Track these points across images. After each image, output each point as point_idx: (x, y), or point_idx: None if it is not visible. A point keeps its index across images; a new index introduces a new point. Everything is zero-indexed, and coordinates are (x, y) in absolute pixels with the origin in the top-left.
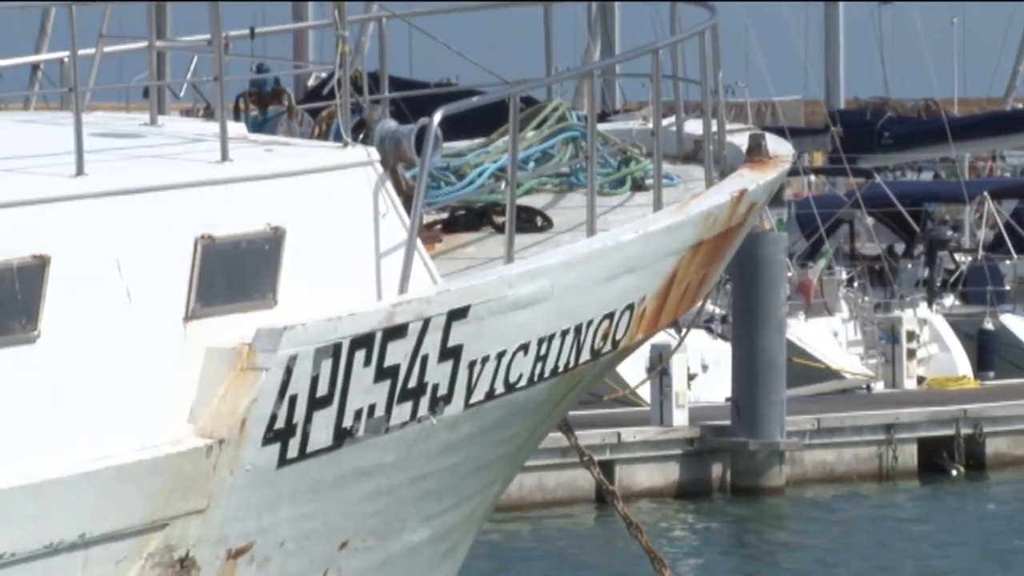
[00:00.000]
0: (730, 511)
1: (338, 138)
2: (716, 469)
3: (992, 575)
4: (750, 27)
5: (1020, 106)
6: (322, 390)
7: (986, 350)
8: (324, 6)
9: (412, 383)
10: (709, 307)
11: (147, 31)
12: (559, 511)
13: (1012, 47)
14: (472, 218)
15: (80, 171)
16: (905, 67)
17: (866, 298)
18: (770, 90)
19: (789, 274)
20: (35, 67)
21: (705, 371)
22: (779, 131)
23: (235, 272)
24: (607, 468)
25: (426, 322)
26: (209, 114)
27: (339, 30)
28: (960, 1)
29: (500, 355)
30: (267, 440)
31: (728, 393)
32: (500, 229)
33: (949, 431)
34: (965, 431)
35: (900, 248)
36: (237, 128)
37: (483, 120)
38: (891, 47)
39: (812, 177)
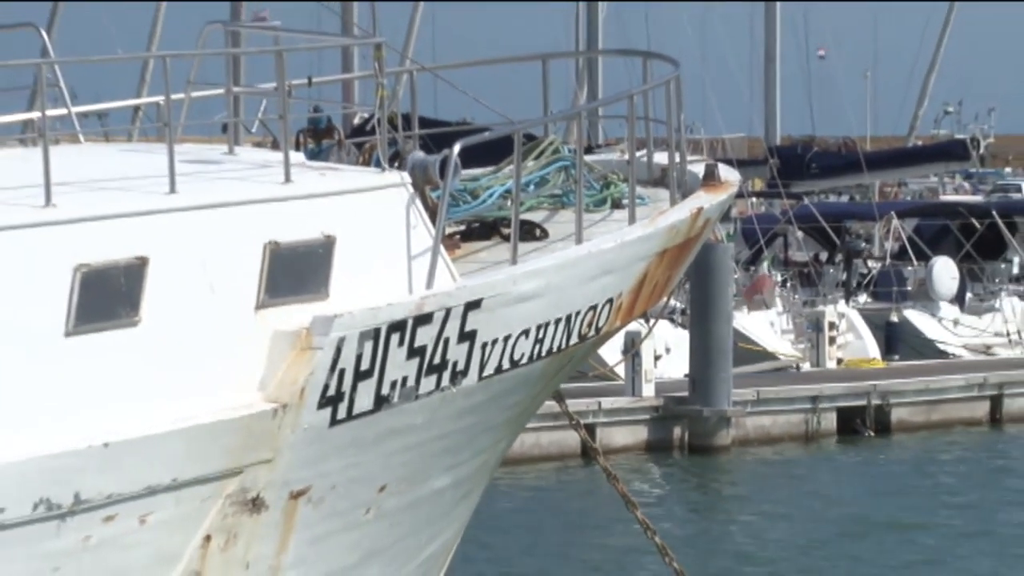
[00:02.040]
0: (687, 465)
1: (378, 165)
2: (676, 431)
3: (894, 510)
4: (705, 78)
5: (920, 143)
6: (365, 365)
7: (892, 338)
8: (368, 59)
9: (436, 360)
10: (672, 302)
11: (225, 78)
12: (552, 464)
13: (913, 95)
14: (484, 230)
15: (173, 189)
16: (828, 111)
17: (796, 296)
18: (721, 128)
19: (735, 276)
20: (136, 108)
21: (668, 353)
22: (728, 162)
23: (295, 271)
24: (590, 430)
25: (448, 311)
26: (275, 146)
27: (379, 79)
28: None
29: (507, 338)
30: (321, 405)
31: (686, 370)
32: (506, 238)
33: (862, 402)
34: (875, 402)
35: (824, 256)
36: (297, 157)
37: (493, 151)
38: (817, 95)
39: (753, 199)
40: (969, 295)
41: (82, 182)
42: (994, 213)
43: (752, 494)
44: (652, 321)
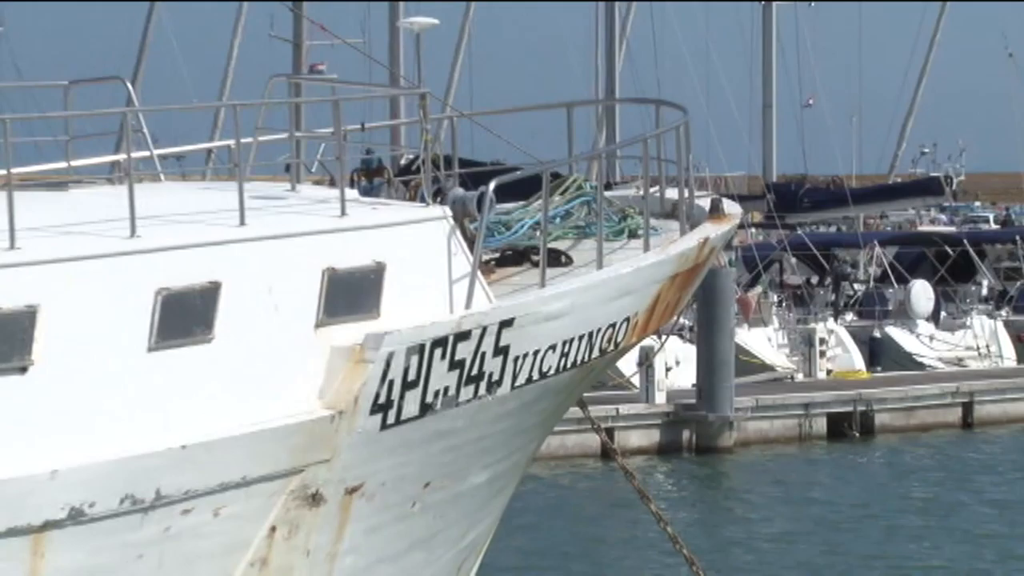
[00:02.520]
0: (695, 464)
1: (423, 200)
2: (685, 434)
3: (878, 500)
4: (710, 123)
5: (899, 180)
6: (411, 376)
7: (875, 351)
8: (414, 107)
9: (474, 371)
10: (681, 320)
11: (288, 124)
12: (576, 462)
13: (894, 138)
14: (516, 257)
15: (242, 222)
16: (819, 152)
17: (790, 314)
18: (724, 167)
19: (739, 297)
20: (209, 151)
21: (678, 365)
22: (730, 197)
23: (350, 293)
24: (609, 433)
25: (484, 329)
26: (332, 183)
27: (424, 125)
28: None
29: (536, 352)
30: (373, 411)
31: (694, 380)
32: (535, 264)
33: (849, 408)
34: (860, 408)
35: (815, 279)
36: (352, 193)
37: (523, 188)
38: (809, 138)
39: (753, 230)
40: (943, 314)
41: (162, 216)
42: (965, 242)
43: (752, 489)
44: (664, 337)
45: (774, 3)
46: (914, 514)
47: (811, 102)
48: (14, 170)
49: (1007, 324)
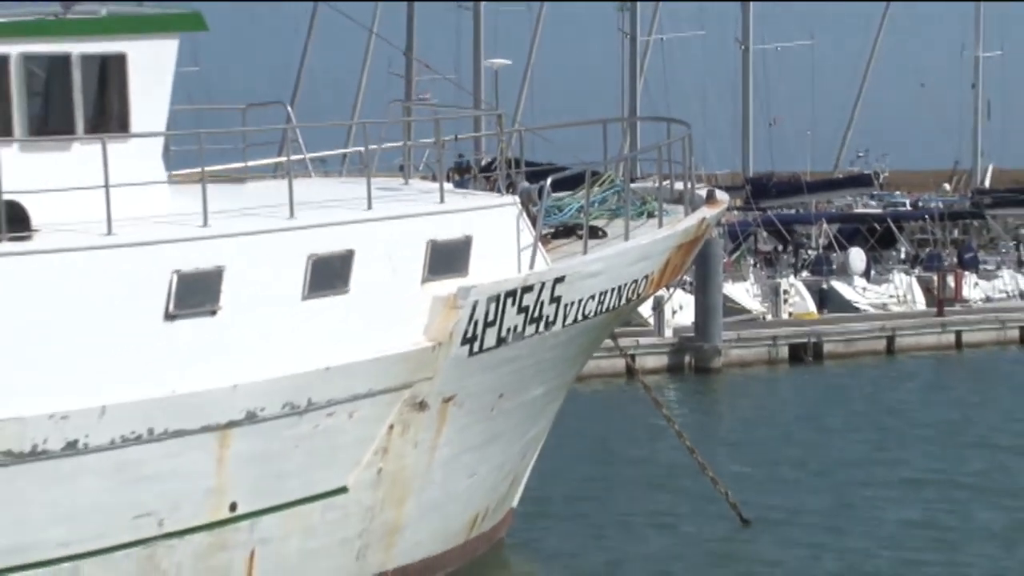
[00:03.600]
0: (693, 380)
1: (499, 191)
2: (686, 358)
3: (824, 405)
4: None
5: (841, 176)
6: (490, 318)
7: (823, 299)
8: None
9: (535, 314)
10: (684, 277)
11: (402, 136)
12: (607, 380)
13: (836, 146)
14: (566, 232)
15: (369, 207)
16: (783, 155)
17: (762, 272)
18: (715, 166)
19: (725, 261)
20: (344, 155)
21: (681, 309)
22: (720, 188)
23: (446, 258)
24: (632, 358)
25: (543, 284)
26: (434, 179)
27: (499, 136)
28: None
29: (580, 300)
30: (462, 343)
31: (693, 319)
32: (580, 237)
33: (804, 340)
34: (812, 340)
35: (780, 248)
36: (448, 186)
37: (571, 182)
38: (776, 146)
39: (735, 211)
40: (872, 272)
41: (312, 202)
42: (888, 220)
43: (734, 399)
44: (672, 289)
45: (751, 48)
46: (850, 413)
47: (776, 121)
48: (207, 169)
49: (919, 279)
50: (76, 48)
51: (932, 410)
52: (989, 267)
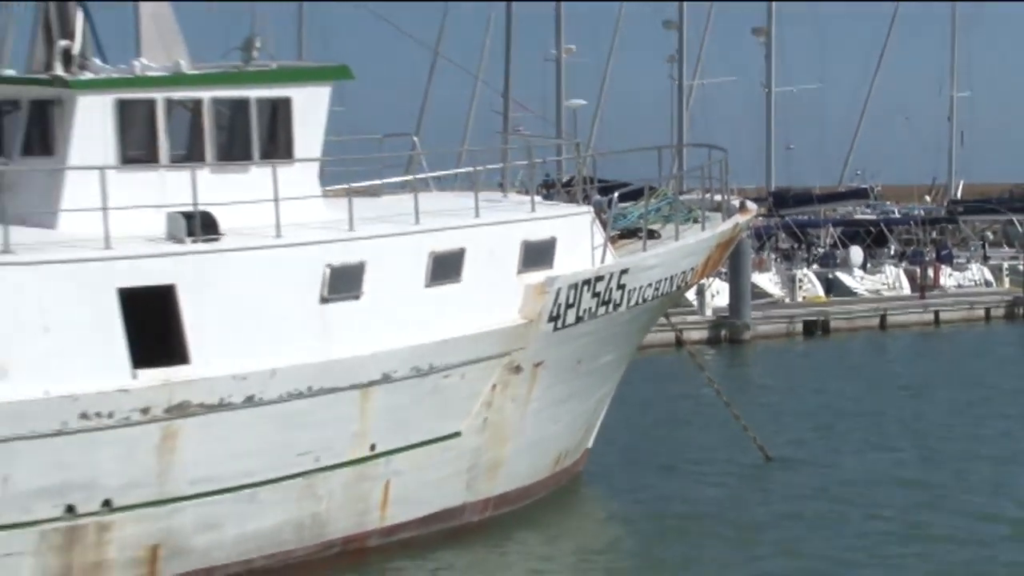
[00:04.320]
0: (728, 349)
1: (577, 203)
2: (722, 332)
3: (833, 374)
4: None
5: (843, 190)
6: (570, 301)
7: (829, 286)
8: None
9: (606, 298)
10: (721, 269)
11: (500, 159)
12: (662, 349)
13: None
14: (629, 234)
15: (477, 214)
16: (798, 172)
17: (782, 265)
18: (744, 181)
19: (753, 257)
20: (455, 175)
21: (718, 294)
22: (749, 199)
23: (536, 254)
24: (680, 331)
25: (611, 274)
26: (527, 193)
27: (577, 159)
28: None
29: (640, 287)
30: (549, 320)
31: (727, 301)
32: (640, 238)
33: (815, 317)
34: (821, 318)
35: (796, 246)
36: (537, 199)
37: (634, 195)
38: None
39: (760, 217)
40: (868, 265)
41: (432, 211)
42: (881, 224)
43: (760, 364)
44: (711, 278)
45: (772, 90)
46: (851, 376)
47: (792, 146)
48: (352, 185)
49: (905, 270)
50: (253, 93)
51: (915, 371)
52: (960, 261)
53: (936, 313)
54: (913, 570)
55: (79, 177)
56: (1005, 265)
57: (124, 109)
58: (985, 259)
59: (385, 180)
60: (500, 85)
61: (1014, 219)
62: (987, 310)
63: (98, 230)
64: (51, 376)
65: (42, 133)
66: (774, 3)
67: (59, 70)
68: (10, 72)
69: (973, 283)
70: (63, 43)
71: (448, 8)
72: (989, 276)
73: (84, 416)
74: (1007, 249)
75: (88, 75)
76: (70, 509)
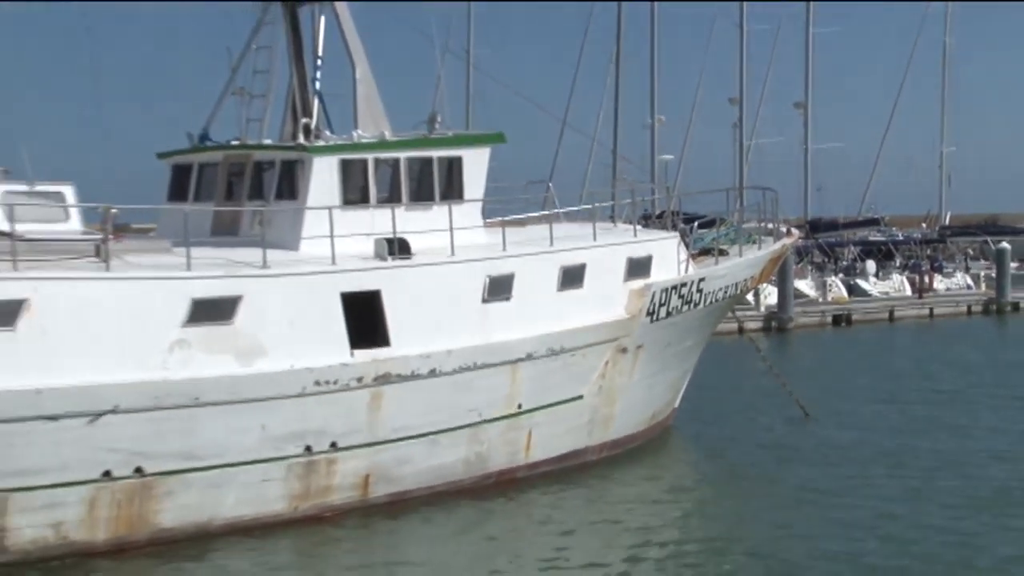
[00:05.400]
0: (777, 336)
1: (667, 230)
2: (772, 323)
3: (854, 354)
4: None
5: (861, 218)
6: (662, 301)
7: (851, 289)
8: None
9: (688, 298)
10: (772, 278)
11: (612, 198)
12: (728, 335)
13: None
14: (706, 252)
15: (595, 239)
16: (828, 206)
17: (817, 274)
18: (789, 214)
19: (794, 267)
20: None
21: (770, 295)
22: (792, 227)
23: (638, 267)
24: (741, 322)
25: (692, 281)
26: (628, 222)
27: (668, 198)
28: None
29: (713, 291)
30: (647, 315)
31: (776, 300)
32: (713, 256)
33: (841, 312)
34: (845, 313)
35: (826, 260)
36: (638, 227)
37: (709, 223)
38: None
39: (800, 239)
40: (879, 273)
41: (562, 237)
42: (889, 244)
43: (800, 346)
44: (765, 284)
45: (809, 147)
46: (867, 354)
47: (822, 188)
48: (505, 219)
49: (907, 278)
50: (435, 154)
51: (914, 351)
52: (948, 271)
53: (931, 309)
54: (904, 479)
55: (314, 215)
56: (982, 274)
57: (345, 166)
58: (967, 269)
59: (528, 214)
60: (610, 144)
61: (988, 240)
62: (968, 307)
63: (327, 252)
64: (295, 355)
65: (289, 183)
66: (810, 85)
67: (301, 139)
68: (268, 141)
69: (958, 287)
70: (304, 120)
71: (573, 91)
72: (970, 282)
73: (317, 383)
74: (983, 262)
75: (321, 143)
76: (308, 448)
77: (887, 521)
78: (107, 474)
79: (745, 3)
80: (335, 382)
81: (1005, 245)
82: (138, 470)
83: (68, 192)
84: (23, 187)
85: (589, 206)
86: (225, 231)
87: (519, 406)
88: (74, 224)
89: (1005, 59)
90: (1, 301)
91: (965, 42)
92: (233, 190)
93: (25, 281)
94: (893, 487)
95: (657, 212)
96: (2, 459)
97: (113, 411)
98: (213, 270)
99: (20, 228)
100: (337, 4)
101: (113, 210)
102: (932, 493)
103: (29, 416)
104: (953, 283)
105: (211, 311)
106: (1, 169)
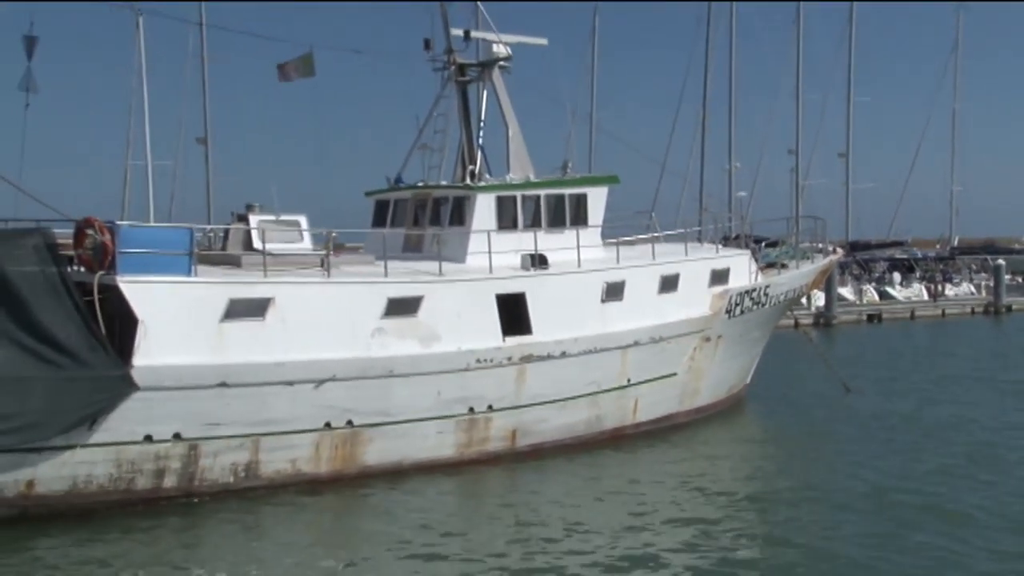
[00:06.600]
0: (824, 330)
1: (741, 248)
2: (820, 320)
3: (885, 344)
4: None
5: (890, 241)
6: (738, 302)
7: (882, 295)
8: (738, 218)
9: (757, 300)
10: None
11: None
12: (786, 328)
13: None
14: (771, 266)
15: (686, 254)
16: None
17: (855, 283)
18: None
19: (837, 277)
20: (674, 232)
21: (819, 299)
22: (837, 246)
23: (719, 277)
24: (796, 319)
25: (760, 288)
26: (711, 242)
27: (742, 224)
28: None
29: (777, 295)
30: (726, 312)
31: (823, 302)
32: (776, 269)
33: (874, 312)
34: (877, 313)
35: (862, 272)
36: (719, 246)
37: (773, 244)
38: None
39: (841, 256)
40: (903, 283)
41: (661, 253)
42: (911, 260)
43: (842, 338)
44: (815, 291)
45: (849, 187)
46: (895, 344)
47: (858, 218)
48: (620, 239)
49: (925, 286)
50: (567, 191)
51: (930, 344)
52: (957, 281)
53: (943, 310)
54: (916, 436)
55: (477, 237)
56: (982, 284)
57: (500, 201)
58: (971, 280)
59: (636, 236)
60: (698, 183)
61: (987, 257)
62: (972, 308)
63: (486, 264)
64: (461, 340)
65: (459, 214)
66: (850, 139)
67: (468, 180)
68: (444, 182)
69: (964, 293)
70: (470, 167)
71: (671, 143)
72: (974, 290)
73: (478, 361)
74: (984, 275)
75: (482, 183)
76: (471, 410)
77: (908, 461)
78: (327, 425)
79: (800, 79)
80: (491, 360)
81: (1001, 261)
82: (349, 422)
83: (302, 220)
84: (271, 217)
85: (682, 230)
86: (412, 249)
87: (628, 380)
88: (306, 244)
89: (1004, 118)
90: (255, 299)
91: (972, 107)
92: (418, 219)
93: (271, 285)
94: (908, 440)
95: (734, 235)
96: (255, 412)
97: (332, 379)
98: (403, 277)
99: (268, 247)
100: (495, 80)
101: (333, 234)
102: (937, 444)
103: (274, 381)
104: (960, 290)
105: (402, 307)
106: (256, 205)
